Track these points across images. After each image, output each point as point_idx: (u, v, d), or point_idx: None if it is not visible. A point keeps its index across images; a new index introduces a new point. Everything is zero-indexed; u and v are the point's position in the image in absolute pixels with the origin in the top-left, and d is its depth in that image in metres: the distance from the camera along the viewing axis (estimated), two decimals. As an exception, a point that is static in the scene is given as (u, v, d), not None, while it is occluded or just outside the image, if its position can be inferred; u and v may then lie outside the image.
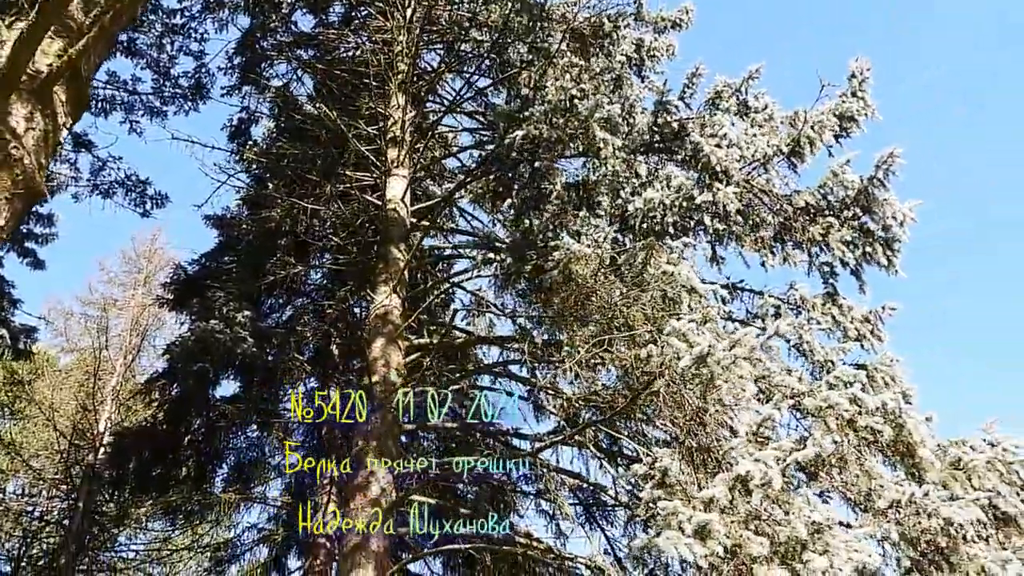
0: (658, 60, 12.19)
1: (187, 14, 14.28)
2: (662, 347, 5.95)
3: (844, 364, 8.61)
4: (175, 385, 14.76)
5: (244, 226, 16.32)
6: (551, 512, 11.21)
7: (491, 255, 7.75)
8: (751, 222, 8.05)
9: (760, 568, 4.66)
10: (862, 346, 9.35)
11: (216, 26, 14.58)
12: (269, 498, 14.49)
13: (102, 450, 20.67)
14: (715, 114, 8.65)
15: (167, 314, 26.17)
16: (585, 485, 10.48)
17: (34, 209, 19.64)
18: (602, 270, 7.44)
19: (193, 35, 14.71)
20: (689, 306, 7.02)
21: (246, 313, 14.18)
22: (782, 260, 9.44)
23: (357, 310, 17.25)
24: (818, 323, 9.20)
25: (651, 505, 5.00)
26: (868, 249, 7.85)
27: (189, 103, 15.08)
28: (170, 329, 25.92)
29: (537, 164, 8.26)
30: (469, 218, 13.31)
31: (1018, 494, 6.25)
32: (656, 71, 12.20)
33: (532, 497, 11.00)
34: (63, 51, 5.05)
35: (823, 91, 8.34)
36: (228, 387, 18.89)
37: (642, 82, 11.30)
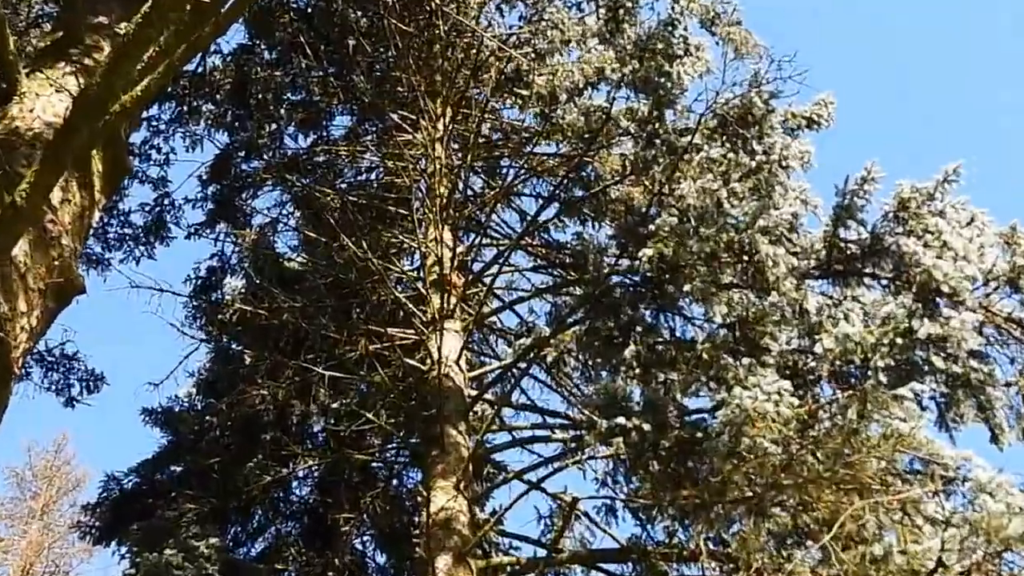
0: (791, 171, 12.11)
1: (152, 127, 14.48)
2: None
3: None
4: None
5: (207, 418, 16.01)
6: None
7: (622, 421, 7.46)
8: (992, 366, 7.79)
9: None
10: None
11: (187, 143, 14.82)
12: None
13: None
14: (920, 221, 8.58)
15: (84, 552, 25.48)
16: None
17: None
18: (789, 435, 7.14)
19: (155, 156, 14.92)
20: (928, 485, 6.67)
21: (212, 540, 13.72)
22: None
23: (362, 544, 16.66)
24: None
25: None
26: None
27: (143, 247, 15.12)
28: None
29: (688, 287, 8.13)
30: (542, 389, 13.18)
31: None
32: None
33: None
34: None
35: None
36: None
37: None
